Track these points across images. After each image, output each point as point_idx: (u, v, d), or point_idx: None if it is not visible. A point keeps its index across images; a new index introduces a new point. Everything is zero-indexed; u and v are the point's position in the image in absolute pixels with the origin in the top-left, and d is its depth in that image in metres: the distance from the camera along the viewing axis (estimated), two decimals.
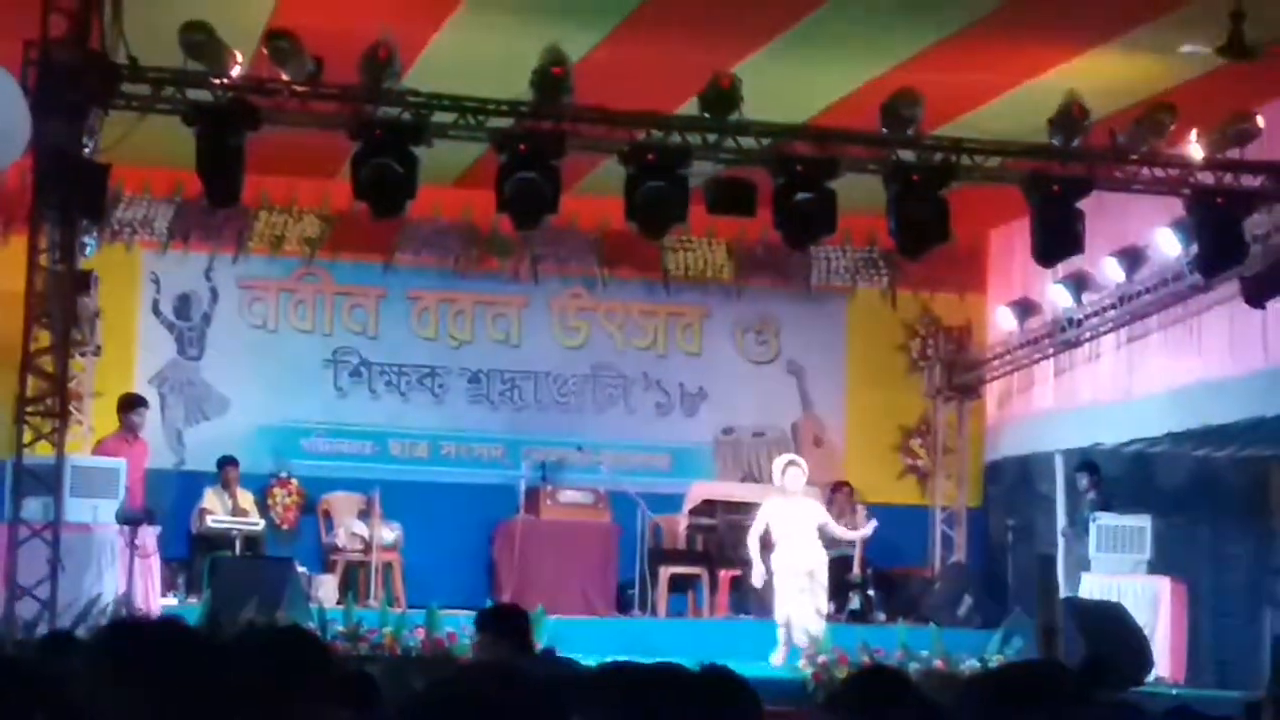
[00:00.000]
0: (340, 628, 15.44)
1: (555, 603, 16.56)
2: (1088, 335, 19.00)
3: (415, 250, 20.17)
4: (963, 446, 21.26)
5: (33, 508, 14.04)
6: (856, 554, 19.39)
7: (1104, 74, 15.11)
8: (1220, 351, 17.00)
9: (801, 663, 15.59)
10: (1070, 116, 15.13)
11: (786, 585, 16.47)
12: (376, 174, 14.41)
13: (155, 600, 15.50)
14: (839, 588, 19.21)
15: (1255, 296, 15.92)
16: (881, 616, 18.99)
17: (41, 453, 14.20)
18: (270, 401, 19.91)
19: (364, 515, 18.88)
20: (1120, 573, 17.33)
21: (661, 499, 19.47)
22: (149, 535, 15.45)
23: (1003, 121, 15.65)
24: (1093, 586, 17.35)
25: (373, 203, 14.71)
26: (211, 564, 16.21)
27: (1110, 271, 18.01)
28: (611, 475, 19.59)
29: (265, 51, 14.15)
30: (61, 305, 14.30)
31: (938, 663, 16.04)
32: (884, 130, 15.15)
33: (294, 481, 19.42)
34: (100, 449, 17.34)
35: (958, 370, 21.22)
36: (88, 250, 15.89)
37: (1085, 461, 18.76)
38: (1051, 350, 19.73)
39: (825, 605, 16.56)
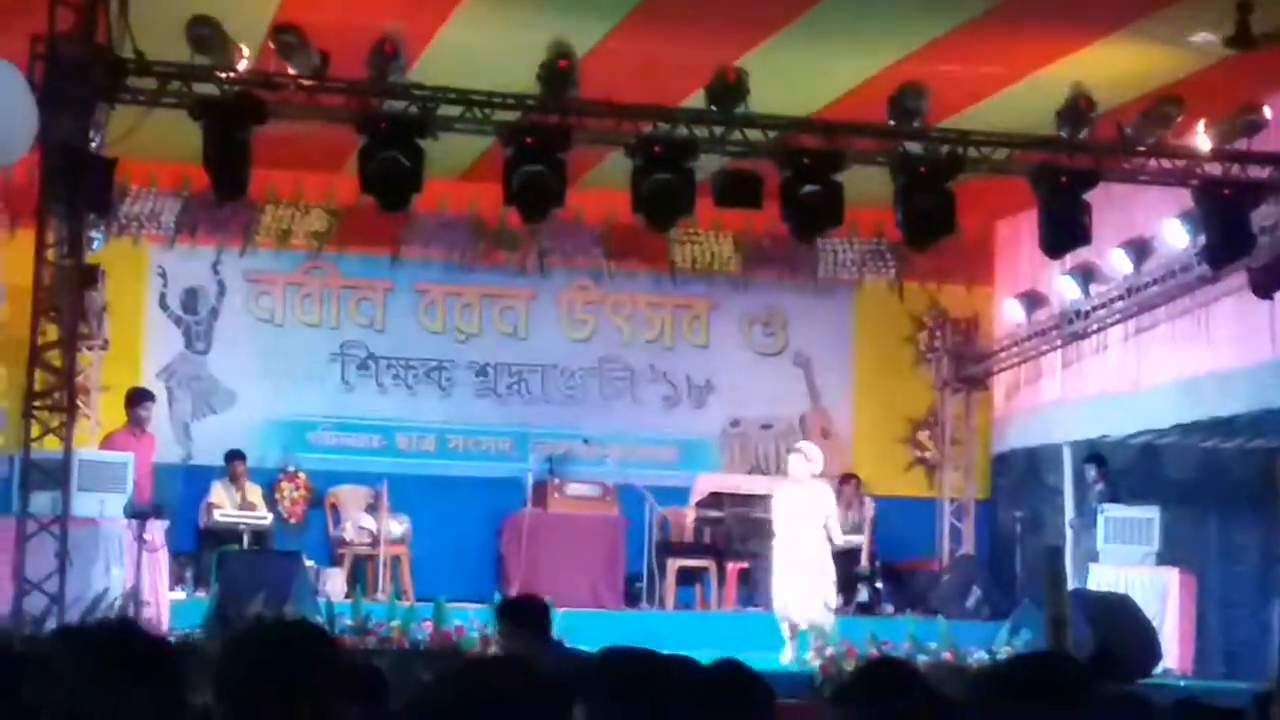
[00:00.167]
0: (348, 621, 15.45)
1: (563, 596, 16.51)
2: (1095, 327, 18.98)
3: (422, 244, 20.16)
4: (970, 438, 21.25)
5: (40, 502, 14.04)
6: (864, 546, 19.39)
7: (1111, 65, 15.09)
8: (1228, 343, 16.99)
9: (809, 655, 15.57)
10: (1077, 108, 15.13)
11: (784, 570, 16.31)
12: (383, 167, 14.42)
13: (163, 594, 15.50)
14: (847, 580, 19.22)
15: (1263, 287, 15.91)
16: (890, 609, 18.99)
17: (49, 447, 14.20)
18: (277, 395, 19.91)
19: (372, 509, 18.88)
20: (1128, 564, 17.33)
21: (669, 491, 19.46)
22: (157, 529, 15.45)
23: (1009, 113, 15.64)
24: (1101, 578, 17.36)
25: (379, 196, 14.72)
26: (219, 558, 16.23)
27: (1118, 263, 18.01)
28: (619, 468, 19.59)
29: (272, 45, 14.15)
30: (69, 300, 14.31)
31: (946, 655, 16.04)
32: (891, 122, 15.16)
33: (301, 475, 19.42)
34: (108, 443, 17.35)
35: (965, 362, 21.21)
36: (95, 244, 15.91)
37: (1093, 453, 18.76)
38: (1059, 342, 19.71)
39: (833, 598, 16.45)
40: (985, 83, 15.81)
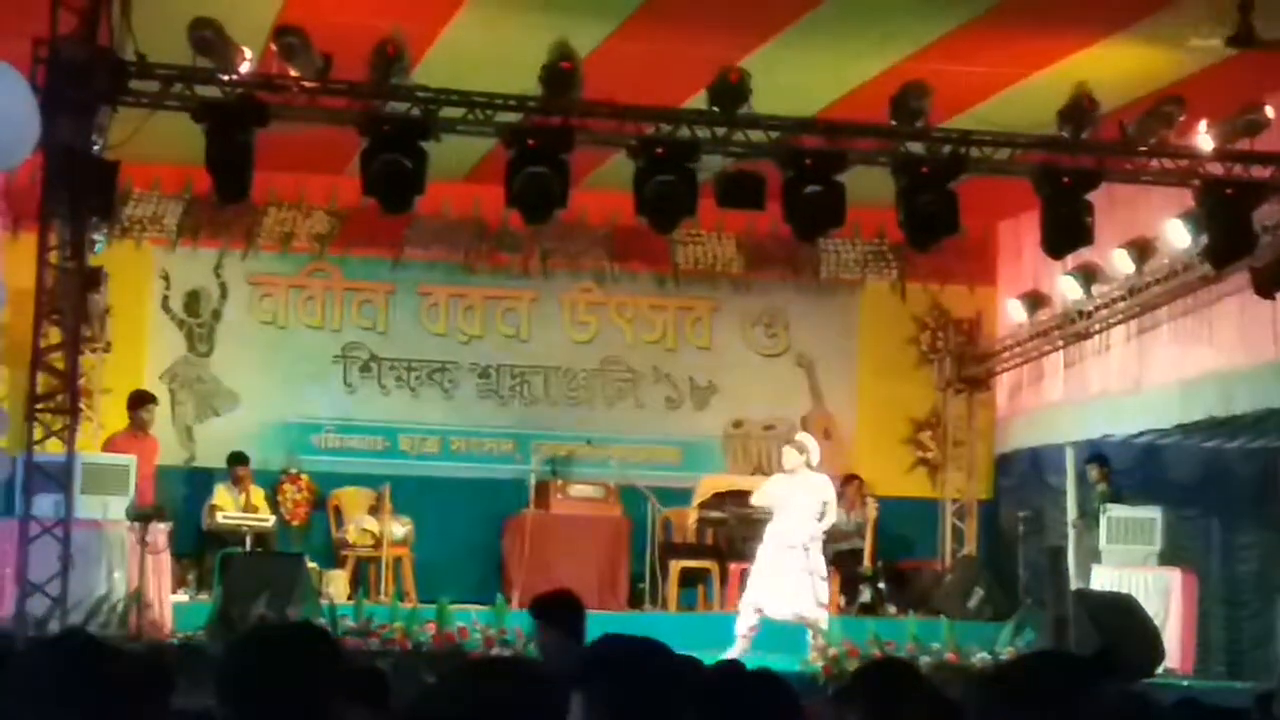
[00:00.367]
0: (351, 623, 15.49)
1: None
2: (1098, 327, 18.98)
3: (424, 245, 20.17)
4: (973, 439, 21.24)
5: (43, 505, 14.05)
6: (867, 547, 19.40)
7: (1113, 65, 15.09)
8: (1231, 343, 16.98)
9: (812, 656, 15.56)
10: (1079, 108, 15.12)
11: (765, 563, 16.12)
12: (385, 169, 14.42)
13: (166, 597, 15.52)
14: (849, 581, 19.24)
15: (1265, 287, 15.90)
16: (892, 609, 18.98)
17: (52, 450, 14.21)
18: (280, 397, 19.92)
19: (374, 510, 18.89)
20: (1131, 564, 17.34)
21: (671, 493, 19.47)
22: (159, 532, 15.47)
23: (1012, 113, 15.62)
24: (1103, 578, 17.36)
25: (382, 198, 14.72)
26: (222, 560, 16.24)
27: (1120, 263, 17.99)
28: (621, 469, 19.60)
29: (274, 47, 14.15)
30: (71, 302, 14.32)
31: (949, 655, 16.07)
32: (893, 123, 15.16)
33: (304, 477, 19.43)
34: (110, 446, 17.36)
35: (967, 362, 21.21)
36: (97, 247, 15.91)
37: (1095, 453, 18.76)
38: (1061, 342, 19.71)
39: (825, 594, 16.32)
40: (987, 83, 15.81)
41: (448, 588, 16.85)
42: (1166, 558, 17.37)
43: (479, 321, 20.60)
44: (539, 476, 19.55)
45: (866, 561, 19.38)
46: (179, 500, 18.43)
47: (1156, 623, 16.30)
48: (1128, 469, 18.55)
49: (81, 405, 15.49)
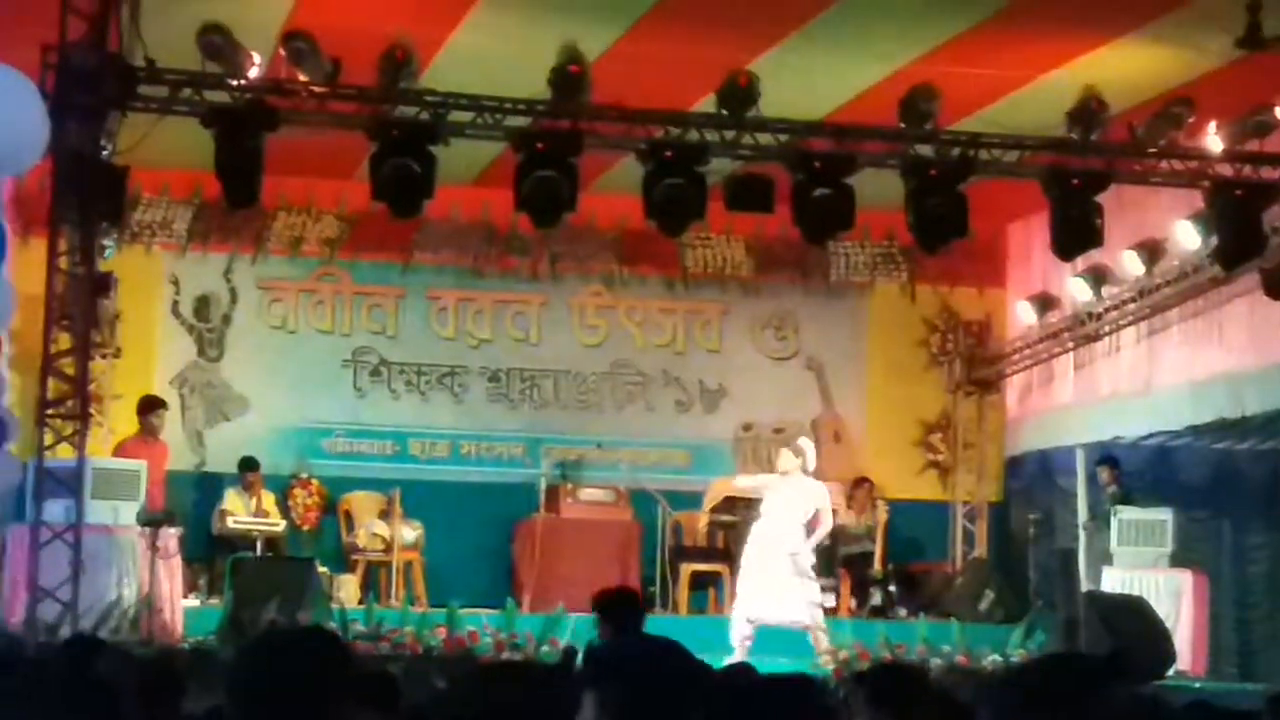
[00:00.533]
0: (362, 627, 15.50)
1: (576, 601, 16.51)
2: (1108, 329, 18.97)
3: (434, 250, 20.17)
4: (983, 441, 21.23)
5: (54, 510, 14.08)
6: (877, 549, 19.39)
7: (1122, 67, 15.08)
8: (1241, 344, 16.97)
9: (823, 659, 15.54)
10: (1088, 110, 15.12)
11: (752, 567, 16.01)
12: (395, 174, 14.44)
13: (178, 601, 15.53)
14: (860, 583, 19.23)
15: (1275, 288, 15.90)
16: (903, 612, 18.97)
17: (62, 455, 14.24)
18: (290, 402, 19.93)
19: (384, 515, 18.89)
20: (1142, 566, 17.31)
21: (682, 496, 19.45)
22: (170, 537, 15.48)
23: (1021, 115, 15.62)
24: (1114, 580, 17.33)
25: (391, 203, 14.73)
26: (233, 565, 16.25)
27: (1130, 264, 17.98)
28: (631, 473, 19.58)
29: (283, 52, 14.17)
30: (81, 308, 14.34)
31: (959, 657, 16.08)
32: (902, 125, 15.16)
33: (314, 482, 19.44)
34: (120, 451, 17.39)
35: (977, 365, 21.19)
36: (107, 253, 15.93)
37: (1106, 455, 18.73)
38: (1071, 344, 19.69)
39: (816, 593, 16.15)
40: (996, 85, 15.80)
41: (458, 592, 16.85)
42: (1177, 559, 17.35)
43: (488, 325, 20.60)
44: (549, 480, 19.55)
45: (877, 564, 19.37)
46: (189, 505, 18.45)
47: (1167, 624, 16.28)
48: (1138, 471, 18.53)
49: (92, 410, 15.52)
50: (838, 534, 19.23)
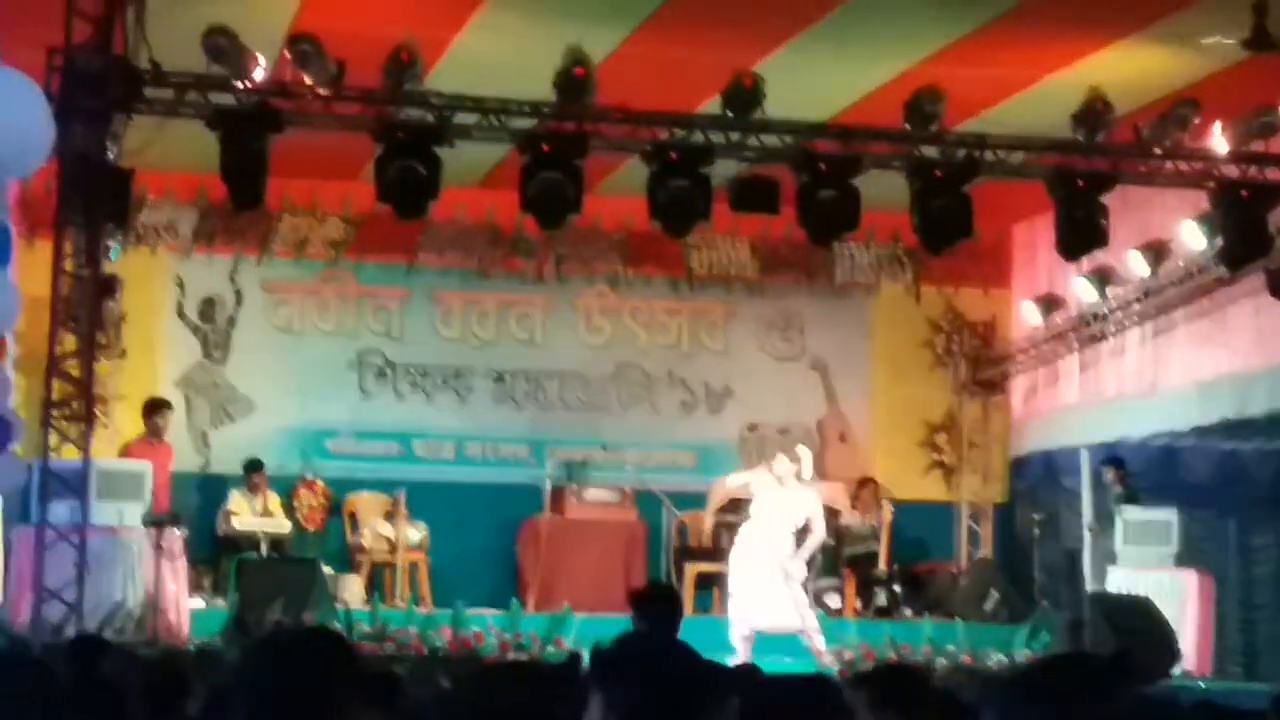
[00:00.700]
0: (366, 628, 15.50)
1: (581, 602, 16.57)
2: (1113, 329, 18.97)
3: (439, 251, 20.17)
4: (988, 442, 21.23)
5: (59, 511, 14.09)
6: (882, 550, 19.38)
7: (1127, 68, 15.08)
8: (1246, 344, 16.97)
9: (827, 659, 15.54)
10: (1094, 111, 15.13)
11: (741, 572, 15.95)
12: (400, 176, 14.45)
13: (183, 602, 15.53)
14: (865, 583, 19.23)
15: None
16: (908, 612, 18.95)
17: (68, 456, 14.24)
18: (295, 403, 19.93)
19: (389, 516, 18.88)
20: (1147, 566, 17.30)
21: (687, 497, 19.44)
22: (175, 538, 15.48)
23: (1026, 116, 15.63)
24: (1119, 580, 17.33)
25: (396, 204, 14.75)
26: (238, 566, 16.26)
27: (1135, 265, 17.98)
28: (636, 474, 19.58)
29: (288, 55, 14.17)
30: (87, 309, 14.35)
31: (964, 658, 16.07)
32: (907, 126, 15.17)
33: (319, 483, 19.43)
34: (126, 452, 17.43)
35: (982, 365, 21.20)
36: (112, 254, 15.94)
37: (1111, 455, 18.72)
38: (1076, 344, 19.70)
39: (804, 596, 16.04)
40: (1001, 86, 15.81)
41: (463, 593, 16.85)
42: (1183, 560, 17.34)
43: (493, 327, 20.61)
44: (554, 481, 19.56)
45: (882, 564, 19.35)
46: (194, 506, 18.46)
47: (1172, 625, 16.27)
48: (1143, 471, 18.52)
49: (97, 412, 15.53)
50: (842, 534, 19.28)
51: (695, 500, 19.46)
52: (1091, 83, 15.08)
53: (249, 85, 14.20)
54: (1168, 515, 17.50)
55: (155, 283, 19.51)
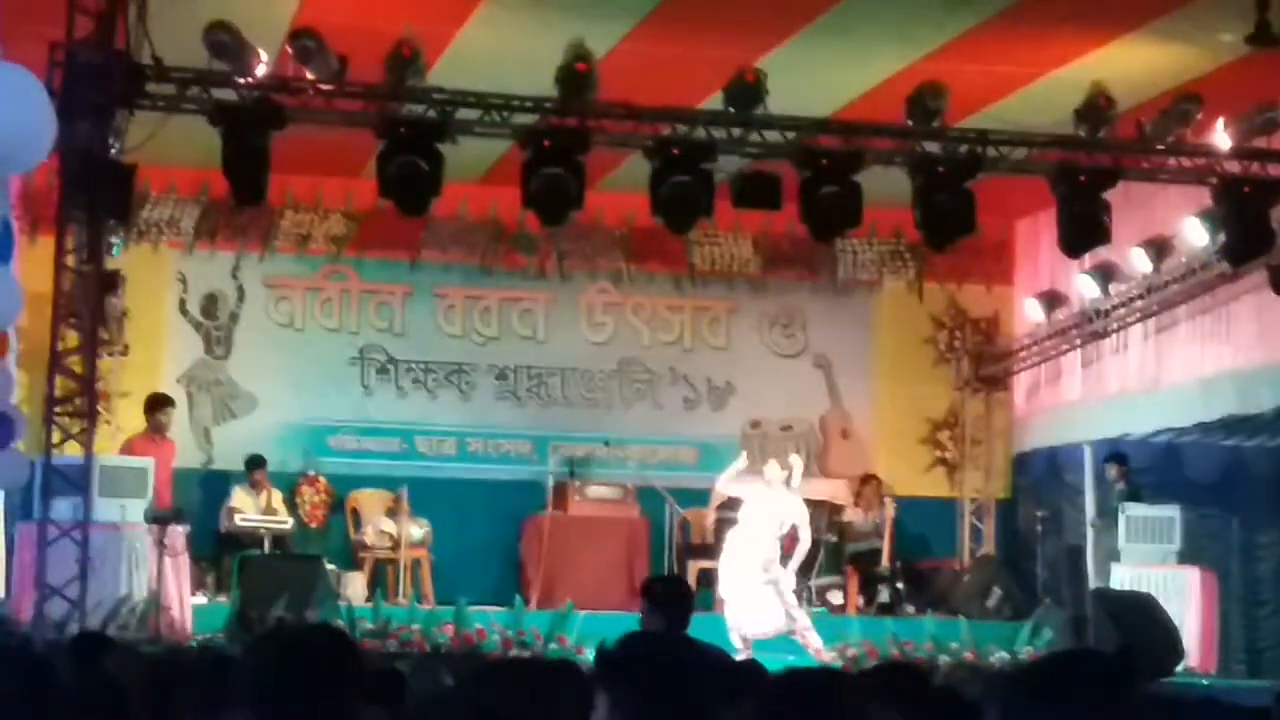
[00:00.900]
0: (369, 625, 15.50)
1: (584, 598, 16.58)
2: (1115, 326, 18.96)
3: (441, 247, 20.17)
4: (991, 438, 21.22)
5: (62, 508, 14.09)
6: (885, 547, 19.37)
7: (1130, 64, 15.07)
8: (1249, 341, 16.96)
9: (827, 656, 15.53)
10: (1096, 107, 15.11)
11: (729, 578, 16.07)
12: (402, 172, 14.44)
13: (186, 599, 15.53)
14: (867, 580, 19.22)
15: None
16: (910, 609, 18.94)
17: (70, 453, 14.25)
18: (297, 400, 19.93)
19: (392, 512, 18.88)
20: (1150, 563, 17.31)
21: (689, 493, 19.43)
22: (178, 534, 15.48)
23: (1028, 113, 15.61)
24: (1122, 577, 17.34)
25: (398, 200, 14.74)
26: (240, 562, 16.25)
27: (1137, 262, 17.97)
28: (639, 470, 19.59)
29: (290, 50, 14.16)
30: (89, 306, 14.34)
31: (967, 655, 16.06)
32: (909, 123, 15.15)
33: (322, 479, 19.43)
34: (128, 449, 17.41)
35: (985, 362, 21.19)
36: (114, 250, 15.96)
37: (1114, 452, 18.73)
38: (1079, 341, 19.69)
39: (792, 596, 16.01)
40: (1004, 82, 15.79)
41: (466, 589, 16.85)
42: (1185, 557, 17.34)
43: (496, 323, 20.59)
44: (557, 478, 19.57)
45: (885, 561, 19.34)
46: (197, 503, 18.44)
47: (1176, 622, 16.27)
48: (1146, 468, 18.52)
49: (99, 408, 15.52)
50: (845, 531, 19.32)
51: (698, 497, 19.46)
52: (1094, 79, 15.06)
53: (251, 81, 14.19)
54: (1170, 512, 17.50)
55: (158, 279, 19.50)
